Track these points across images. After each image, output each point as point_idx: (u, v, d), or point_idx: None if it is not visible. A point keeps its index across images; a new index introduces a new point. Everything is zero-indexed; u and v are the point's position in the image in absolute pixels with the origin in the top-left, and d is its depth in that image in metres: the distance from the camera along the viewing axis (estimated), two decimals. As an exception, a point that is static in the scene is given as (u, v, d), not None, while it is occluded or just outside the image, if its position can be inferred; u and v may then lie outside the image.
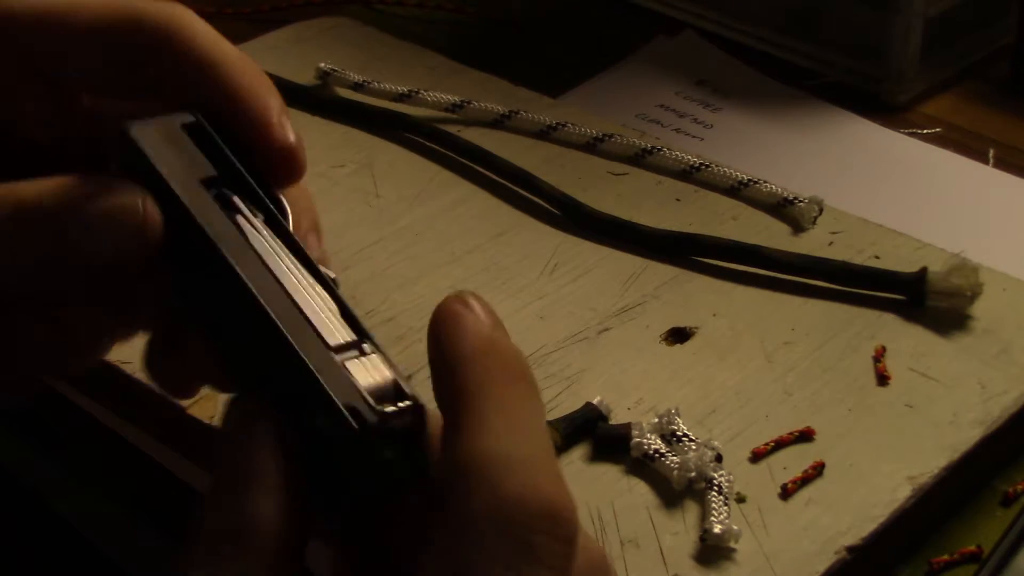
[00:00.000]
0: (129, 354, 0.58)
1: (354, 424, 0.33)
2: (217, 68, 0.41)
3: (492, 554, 0.31)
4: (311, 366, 0.34)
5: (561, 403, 0.56)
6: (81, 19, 0.41)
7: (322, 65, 0.78)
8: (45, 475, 0.62)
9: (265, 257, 0.37)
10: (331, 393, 0.34)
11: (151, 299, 0.41)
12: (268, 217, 0.38)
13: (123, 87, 0.42)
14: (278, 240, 0.38)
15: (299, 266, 0.37)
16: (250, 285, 0.36)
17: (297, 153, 0.41)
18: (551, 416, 0.55)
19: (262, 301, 0.36)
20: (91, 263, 0.38)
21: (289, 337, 0.35)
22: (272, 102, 0.41)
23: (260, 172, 0.40)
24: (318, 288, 0.37)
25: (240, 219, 0.38)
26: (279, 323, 0.35)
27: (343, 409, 0.34)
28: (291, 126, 0.41)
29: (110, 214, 0.38)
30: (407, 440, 0.35)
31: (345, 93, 0.77)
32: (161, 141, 0.39)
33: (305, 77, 0.78)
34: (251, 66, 0.42)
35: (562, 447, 0.54)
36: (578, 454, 0.54)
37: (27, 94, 0.42)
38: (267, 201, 0.39)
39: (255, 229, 0.38)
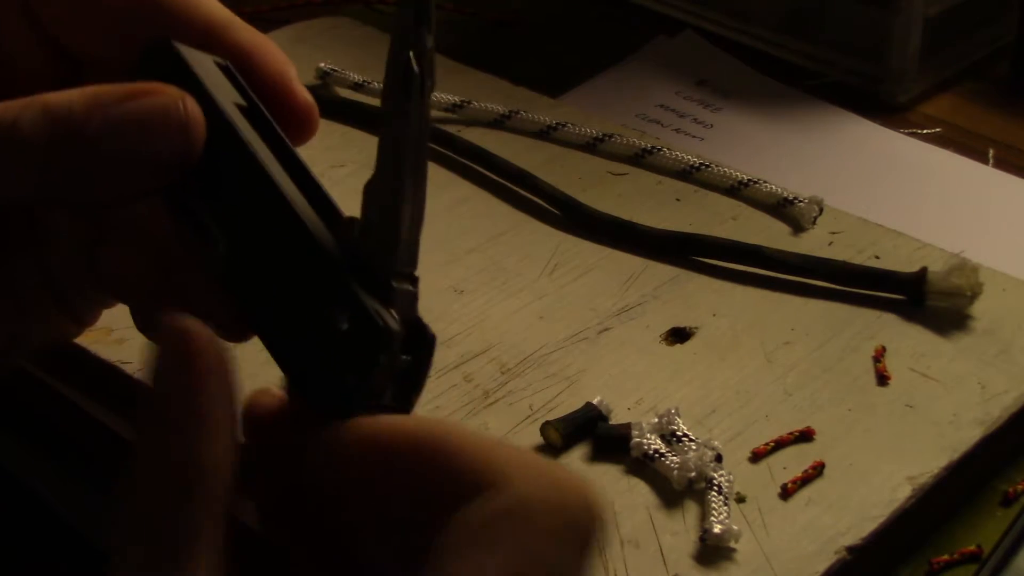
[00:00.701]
0: (129, 354, 0.58)
1: (382, 323, 0.34)
2: (228, 29, 0.40)
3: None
4: (344, 271, 0.35)
5: (561, 403, 0.56)
6: None
7: (322, 65, 0.78)
8: (45, 475, 0.62)
9: (299, 174, 0.37)
10: (362, 297, 0.35)
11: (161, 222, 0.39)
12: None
13: (125, 60, 0.41)
14: (308, 171, 0.38)
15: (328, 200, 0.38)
16: (286, 193, 0.36)
17: (314, 110, 0.41)
18: (551, 416, 0.55)
19: (297, 210, 0.36)
20: (128, 172, 0.36)
21: (320, 240, 0.35)
22: (288, 63, 0.41)
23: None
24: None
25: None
26: (311, 229, 0.36)
27: (372, 313, 0.34)
28: None
29: (149, 113, 0.36)
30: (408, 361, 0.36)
31: (345, 93, 0.77)
32: (198, 63, 0.38)
33: (305, 77, 0.77)
34: (256, 31, 0.41)
35: (562, 447, 0.54)
36: (578, 454, 0.54)
37: (20, 41, 0.41)
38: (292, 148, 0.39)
39: (288, 151, 0.38)
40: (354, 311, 0.35)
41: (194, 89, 0.37)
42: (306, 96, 0.41)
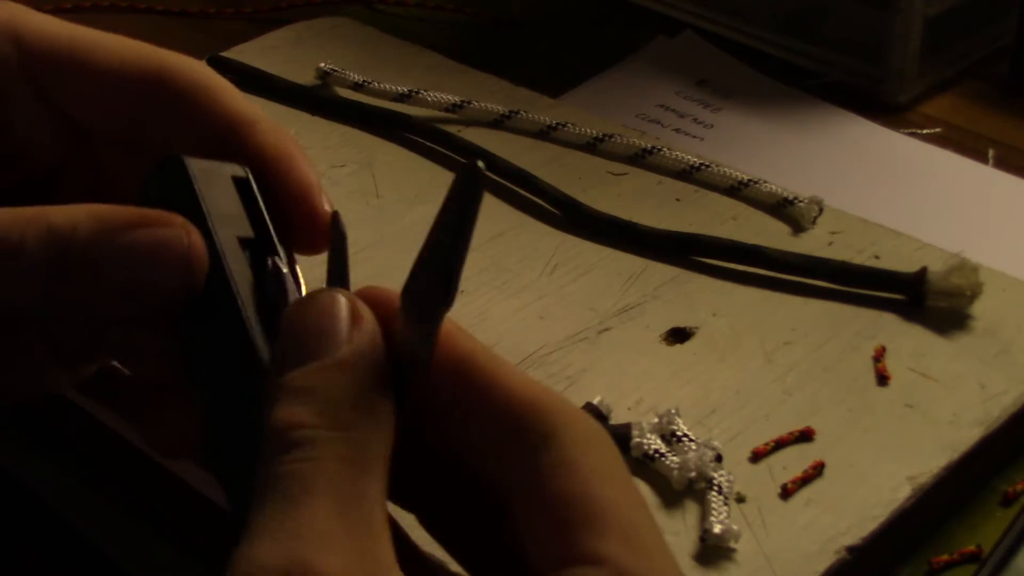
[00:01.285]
0: (129, 354, 0.58)
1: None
2: (253, 130, 0.40)
3: None
4: None
5: (561, 403, 0.56)
6: (99, 59, 0.39)
7: (322, 65, 0.78)
8: (45, 475, 0.62)
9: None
10: None
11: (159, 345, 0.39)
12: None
13: (136, 136, 0.41)
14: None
15: None
16: (261, 357, 0.35)
17: (329, 225, 0.40)
18: (551, 416, 0.55)
19: (266, 380, 0.35)
20: (126, 300, 0.36)
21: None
22: (311, 169, 0.40)
23: (287, 236, 0.39)
24: None
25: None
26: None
27: None
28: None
29: (152, 246, 0.35)
30: None
31: (345, 93, 0.77)
32: (209, 183, 0.37)
33: (305, 77, 0.78)
34: (284, 130, 0.41)
35: (562, 447, 0.54)
36: (578, 454, 0.54)
37: (27, 113, 0.41)
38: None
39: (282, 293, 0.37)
40: None
41: (198, 218, 0.36)
42: (325, 210, 0.40)
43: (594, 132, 0.73)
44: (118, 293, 0.36)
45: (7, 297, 0.35)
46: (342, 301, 0.34)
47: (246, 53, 0.80)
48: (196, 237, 0.36)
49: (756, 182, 0.69)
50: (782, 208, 0.68)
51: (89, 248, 0.35)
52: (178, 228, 0.36)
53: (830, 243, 0.66)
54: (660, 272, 0.64)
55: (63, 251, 0.35)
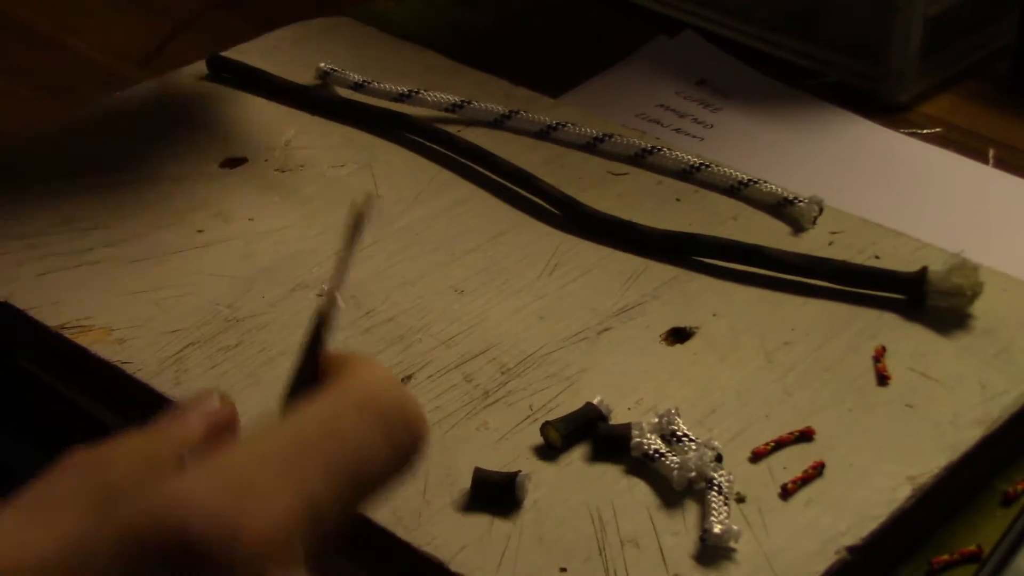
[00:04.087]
0: (129, 354, 0.58)
1: None
2: None
3: None
4: None
5: (561, 403, 0.56)
6: None
7: (322, 65, 0.78)
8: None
9: None
10: None
11: None
12: None
13: None
14: None
15: None
16: None
17: None
18: (551, 416, 0.55)
19: None
20: None
21: None
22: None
23: None
24: None
25: None
26: None
27: None
28: None
29: None
30: None
31: (345, 93, 0.77)
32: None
33: (305, 77, 0.78)
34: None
35: (562, 447, 0.54)
36: (578, 454, 0.54)
37: None
38: None
39: None
40: None
41: None
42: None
43: (594, 132, 0.73)
44: None
45: None
46: None
47: (246, 53, 0.80)
48: None
49: (756, 182, 0.69)
50: (782, 208, 0.68)
51: None
52: None
53: (830, 243, 0.66)
54: (660, 272, 0.64)
55: None
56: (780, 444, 0.54)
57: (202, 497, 0.30)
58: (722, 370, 0.58)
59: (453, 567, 0.49)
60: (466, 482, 0.52)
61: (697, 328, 0.61)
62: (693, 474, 0.52)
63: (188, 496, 0.30)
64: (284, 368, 0.57)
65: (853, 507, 0.52)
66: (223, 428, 0.36)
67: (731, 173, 0.69)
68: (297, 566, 0.31)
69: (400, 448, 0.35)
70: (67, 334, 0.59)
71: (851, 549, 0.50)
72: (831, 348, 0.59)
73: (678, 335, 0.60)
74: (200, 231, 0.66)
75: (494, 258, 0.65)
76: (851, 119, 0.81)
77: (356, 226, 0.38)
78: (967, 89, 0.85)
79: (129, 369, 0.57)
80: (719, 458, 0.53)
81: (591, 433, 0.54)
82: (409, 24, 0.89)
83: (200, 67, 0.79)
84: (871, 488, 0.52)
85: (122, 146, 0.73)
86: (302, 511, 0.31)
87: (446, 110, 0.75)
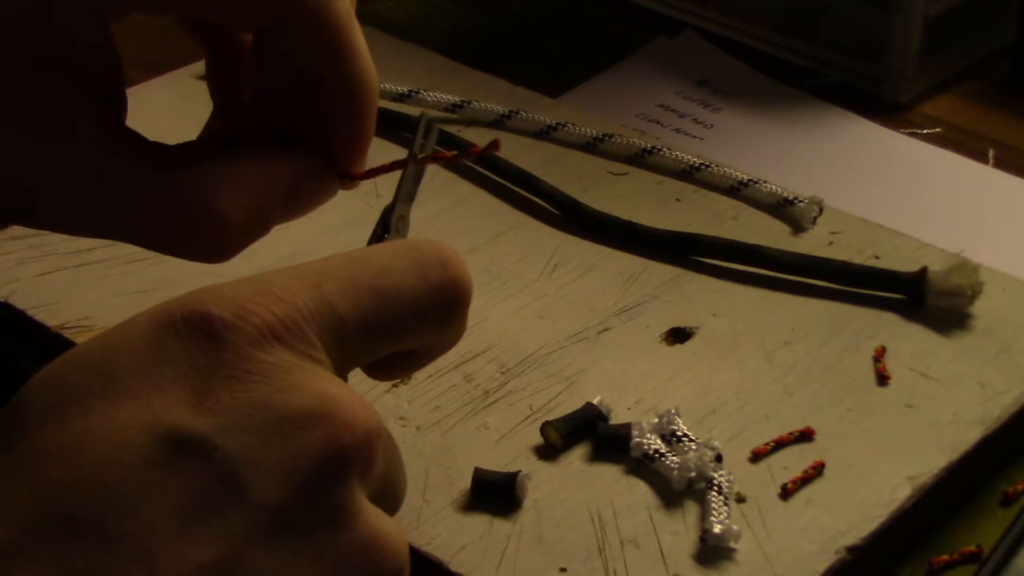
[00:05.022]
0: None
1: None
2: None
3: None
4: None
5: (561, 403, 0.56)
6: None
7: (322, 65, 0.78)
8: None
9: None
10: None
11: None
12: None
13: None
14: None
15: None
16: None
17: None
18: (551, 416, 0.55)
19: None
20: None
21: None
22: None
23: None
24: None
25: None
26: None
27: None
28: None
29: None
30: None
31: (345, 93, 0.77)
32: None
33: (305, 77, 0.78)
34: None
35: (562, 447, 0.54)
36: (578, 454, 0.54)
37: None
38: None
39: None
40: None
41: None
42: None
43: (594, 132, 0.73)
44: None
45: None
46: None
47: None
48: None
49: (756, 182, 0.69)
50: (782, 208, 0.68)
51: None
52: None
53: (830, 243, 0.66)
54: (660, 272, 0.64)
55: None
56: (780, 444, 0.54)
57: (224, 291, 0.35)
58: (722, 370, 0.58)
59: (453, 567, 0.49)
60: (466, 482, 0.52)
61: (697, 328, 0.61)
62: (693, 474, 0.52)
63: (213, 289, 0.35)
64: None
65: (853, 507, 0.52)
66: None
67: (731, 173, 0.69)
68: (310, 356, 0.34)
69: (435, 284, 0.37)
70: (67, 334, 0.59)
71: (851, 549, 0.50)
72: (831, 348, 0.59)
73: (678, 335, 0.60)
74: (200, 231, 0.66)
75: (494, 258, 0.65)
76: (851, 119, 0.81)
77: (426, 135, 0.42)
78: (967, 89, 0.85)
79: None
80: (719, 458, 0.53)
81: (591, 433, 0.54)
82: (409, 24, 0.89)
83: (200, 67, 0.79)
84: (871, 488, 0.52)
85: (122, 146, 0.72)
86: (315, 308, 0.35)
87: (446, 110, 0.75)
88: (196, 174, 0.40)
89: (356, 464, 0.34)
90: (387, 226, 0.42)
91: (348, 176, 0.44)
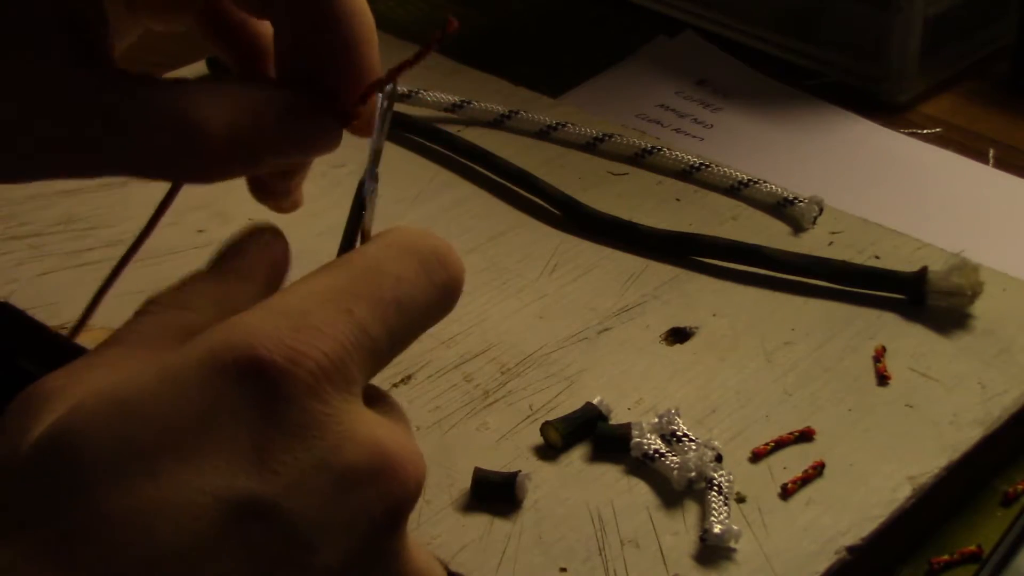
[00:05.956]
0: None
1: None
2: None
3: None
4: None
5: (561, 403, 0.56)
6: None
7: (322, 65, 0.78)
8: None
9: None
10: None
11: None
12: None
13: None
14: None
15: None
16: None
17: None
18: (551, 416, 0.55)
19: None
20: None
21: None
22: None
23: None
24: None
25: None
26: None
27: None
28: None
29: None
30: None
31: (345, 93, 0.77)
32: None
33: (305, 77, 0.78)
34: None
35: (562, 447, 0.54)
36: (578, 454, 0.54)
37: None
38: None
39: None
40: None
41: None
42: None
43: (594, 132, 0.73)
44: None
45: None
46: None
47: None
48: None
49: (756, 182, 0.69)
50: (782, 208, 0.68)
51: None
52: None
53: (830, 243, 0.66)
54: (660, 272, 0.64)
55: None
56: (780, 444, 0.54)
57: (266, 328, 0.33)
58: (722, 370, 0.58)
59: (453, 567, 0.49)
60: (466, 482, 0.52)
61: (697, 328, 0.61)
62: (693, 474, 0.52)
63: (255, 326, 0.33)
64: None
65: (853, 507, 0.52)
66: (280, 264, 0.40)
67: (731, 173, 0.69)
68: (354, 393, 0.34)
69: (440, 285, 0.37)
70: (67, 334, 0.59)
71: (851, 549, 0.50)
72: (831, 348, 0.59)
73: (678, 335, 0.60)
74: (200, 231, 0.66)
75: (494, 258, 0.65)
76: (851, 119, 0.81)
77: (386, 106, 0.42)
78: (967, 89, 0.85)
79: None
80: (719, 458, 0.53)
81: (591, 433, 0.54)
82: (409, 24, 0.89)
83: (200, 67, 0.79)
84: (871, 488, 0.52)
85: (122, 146, 0.72)
86: (356, 339, 0.34)
87: (446, 110, 0.75)
88: (178, 88, 0.40)
89: (408, 512, 0.34)
90: (363, 203, 0.42)
91: (344, 115, 0.43)
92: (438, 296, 0.37)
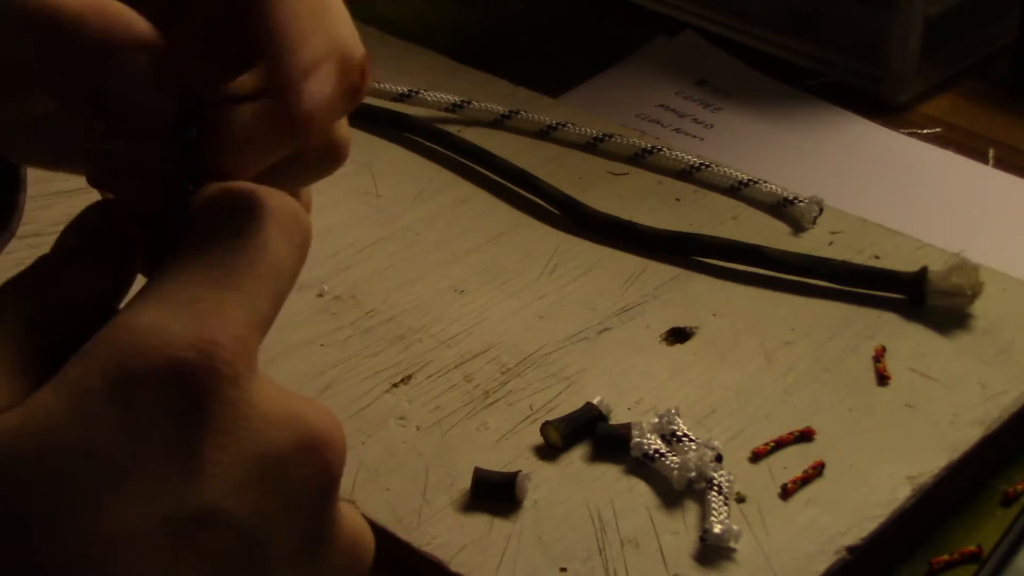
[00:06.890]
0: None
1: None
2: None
3: None
4: None
5: (561, 403, 0.56)
6: None
7: (322, 65, 0.78)
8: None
9: None
10: None
11: None
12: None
13: None
14: None
15: None
16: None
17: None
18: (551, 416, 0.55)
19: None
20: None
21: None
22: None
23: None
24: None
25: None
26: None
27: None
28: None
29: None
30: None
31: (345, 93, 0.77)
32: None
33: (305, 77, 0.78)
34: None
35: (562, 447, 0.54)
36: (578, 454, 0.54)
37: None
38: None
39: None
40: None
41: None
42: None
43: (594, 132, 0.73)
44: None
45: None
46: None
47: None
48: None
49: (756, 182, 0.69)
50: (782, 208, 0.68)
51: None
52: None
53: (830, 243, 0.66)
54: (660, 272, 0.64)
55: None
56: (780, 444, 0.54)
57: (169, 325, 0.31)
58: (722, 370, 0.58)
59: (453, 567, 0.49)
60: (466, 482, 0.52)
61: (697, 328, 0.61)
62: (693, 474, 0.52)
63: (153, 325, 0.31)
64: (283, 369, 0.57)
65: (853, 507, 0.52)
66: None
67: (731, 173, 0.69)
68: (256, 369, 0.32)
69: (299, 245, 0.35)
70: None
71: (851, 549, 0.50)
72: (831, 348, 0.59)
73: (678, 335, 0.60)
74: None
75: (494, 258, 0.65)
76: (851, 119, 0.81)
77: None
78: (967, 89, 0.85)
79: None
80: (719, 458, 0.53)
81: (591, 433, 0.54)
82: (409, 24, 0.89)
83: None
84: (871, 488, 0.52)
85: (122, 146, 0.72)
86: (251, 315, 0.32)
87: (446, 110, 0.75)
88: None
89: (340, 475, 0.33)
90: (189, 144, 0.37)
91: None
92: (300, 255, 0.35)
